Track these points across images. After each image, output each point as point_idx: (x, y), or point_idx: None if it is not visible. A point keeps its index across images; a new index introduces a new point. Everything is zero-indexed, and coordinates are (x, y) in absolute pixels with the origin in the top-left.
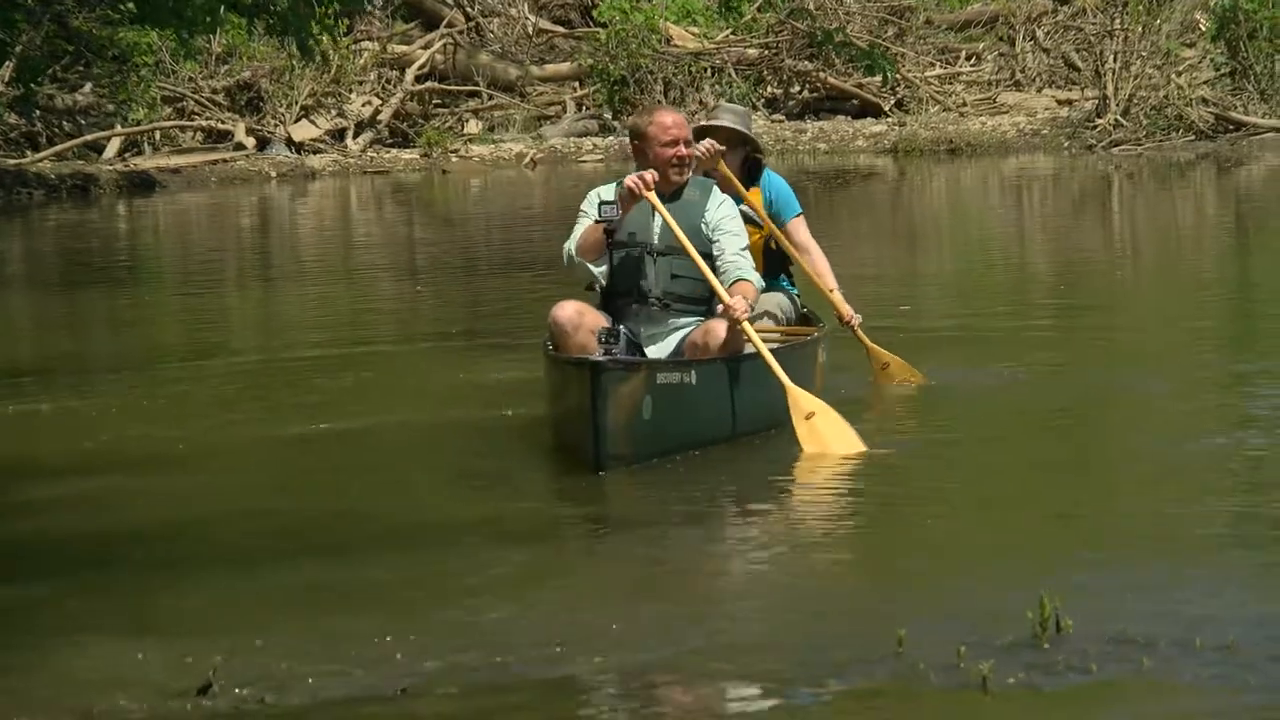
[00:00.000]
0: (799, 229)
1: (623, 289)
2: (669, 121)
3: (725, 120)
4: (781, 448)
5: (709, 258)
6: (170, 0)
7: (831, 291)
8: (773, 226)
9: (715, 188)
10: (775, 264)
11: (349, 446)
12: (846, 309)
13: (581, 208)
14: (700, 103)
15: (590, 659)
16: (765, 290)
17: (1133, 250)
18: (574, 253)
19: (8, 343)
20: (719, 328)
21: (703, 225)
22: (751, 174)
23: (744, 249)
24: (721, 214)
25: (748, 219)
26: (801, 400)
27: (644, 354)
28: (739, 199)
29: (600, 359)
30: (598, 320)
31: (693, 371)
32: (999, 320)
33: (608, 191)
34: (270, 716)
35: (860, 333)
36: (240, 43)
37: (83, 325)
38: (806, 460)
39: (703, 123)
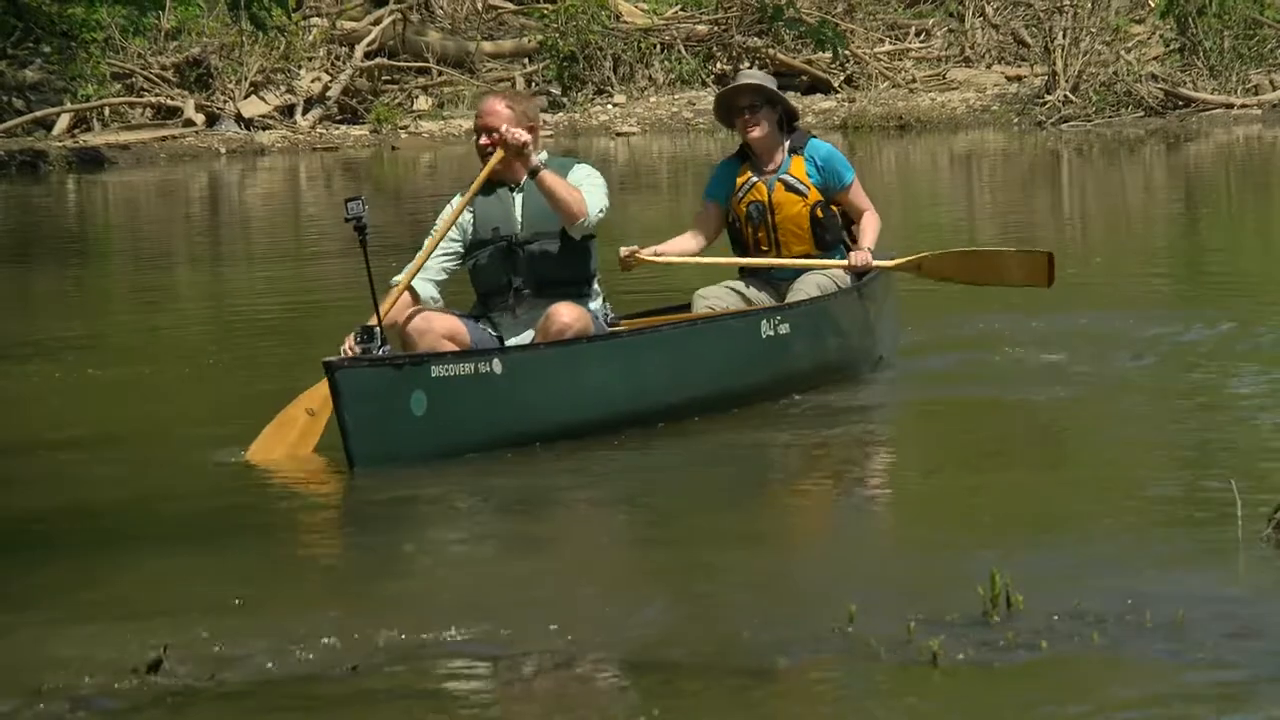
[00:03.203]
0: (857, 194)
1: (494, 285)
2: (478, 110)
3: (744, 80)
4: (708, 428)
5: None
6: None
7: (864, 249)
8: (819, 196)
9: (577, 163)
10: (825, 233)
11: None
12: (860, 256)
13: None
14: (650, 79)
15: (536, 637)
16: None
17: (1082, 225)
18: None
19: None
20: (560, 311)
21: None
22: (792, 140)
23: (602, 209)
24: (580, 176)
25: (790, 188)
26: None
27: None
28: (784, 166)
29: (332, 359)
30: (447, 323)
31: (495, 360)
32: (948, 289)
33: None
34: (222, 694)
35: (878, 262)
36: (190, 18)
37: (29, 301)
38: (743, 440)
39: (722, 89)
